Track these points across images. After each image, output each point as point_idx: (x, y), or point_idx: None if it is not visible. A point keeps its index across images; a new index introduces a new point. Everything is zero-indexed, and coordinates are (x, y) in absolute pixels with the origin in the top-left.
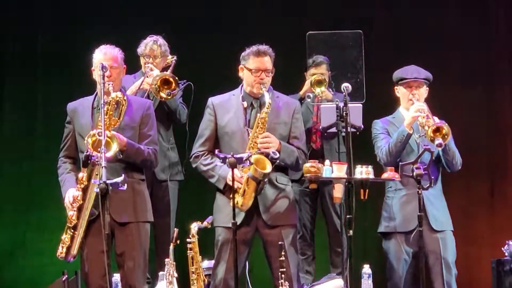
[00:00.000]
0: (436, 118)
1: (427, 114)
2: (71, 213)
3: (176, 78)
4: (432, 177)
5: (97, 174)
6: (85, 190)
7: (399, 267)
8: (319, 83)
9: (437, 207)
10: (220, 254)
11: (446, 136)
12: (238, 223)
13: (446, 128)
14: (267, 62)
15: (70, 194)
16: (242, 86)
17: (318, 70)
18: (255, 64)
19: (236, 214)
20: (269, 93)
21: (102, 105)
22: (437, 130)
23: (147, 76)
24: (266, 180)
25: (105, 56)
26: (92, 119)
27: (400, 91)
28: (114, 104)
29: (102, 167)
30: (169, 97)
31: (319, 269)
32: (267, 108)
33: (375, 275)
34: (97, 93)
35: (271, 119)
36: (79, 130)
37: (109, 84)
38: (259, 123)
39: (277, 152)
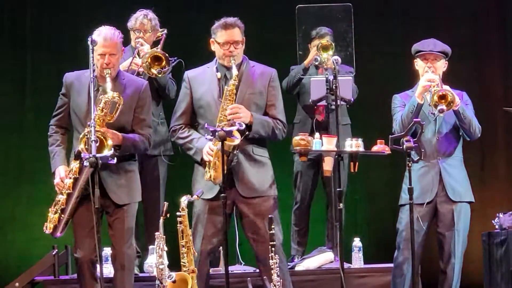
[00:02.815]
0: (447, 87)
1: (437, 83)
2: (61, 197)
3: (167, 55)
4: (451, 147)
5: (87, 148)
6: (75, 180)
7: (412, 238)
8: (325, 48)
9: (456, 177)
10: (196, 227)
11: (451, 104)
12: (214, 195)
13: (451, 95)
14: (236, 34)
15: (59, 174)
16: (216, 58)
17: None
18: (223, 37)
19: (211, 187)
20: (244, 64)
21: (92, 79)
22: (442, 97)
23: (135, 56)
24: (236, 152)
25: (104, 42)
26: (89, 101)
27: (418, 64)
28: (110, 103)
29: (92, 141)
30: (160, 75)
31: (312, 242)
32: (234, 80)
33: (365, 248)
34: (94, 70)
35: (246, 89)
36: (74, 108)
37: (107, 73)
38: (227, 95)
39: (243, 124)
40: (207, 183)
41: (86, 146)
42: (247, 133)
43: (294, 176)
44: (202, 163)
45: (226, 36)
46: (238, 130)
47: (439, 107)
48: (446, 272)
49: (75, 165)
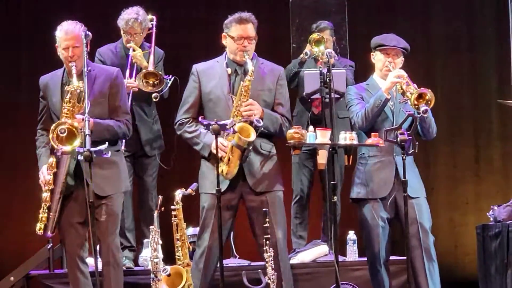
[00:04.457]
0: (415, 85)
1: (406, 80)
2: (45, 195)
3: (159, 73)
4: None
5: (81, 142)
6: (55, 175)
7: (376, 234)
8: (317, 42)
9: (411, 174)
10: (205, 221)
11: (429, 102)
12: (223, 190)
13: (429, 94)
14: (250, 29)
15: (41, 173)
16: (226, 53)
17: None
18: (238, 32)
19: (220, 181)
20: (253, 60)
21: (86, 73)
22: (420, 96)
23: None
24: (250, 148)
25: (66, 35)
26: (62, 98)
27: (376, 57)
28: (76, 93)
29: (86, 135)
30: (156, 100)
31: (312, 235)
32: (250, 75)
33: (360, 241)
34: (65, 68)
35: (255, 86)
36: (52, 108)
37: (72, 66)
38: (242, 91)
39: (260, 120)
40: (214, 178)
41: (55, 135)
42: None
43: (292, 169)
44: (210, 158)
45: (241, 30)
46: (255, 126)
47: (422, 108)
48: (421, 246)
49: (52, 159)
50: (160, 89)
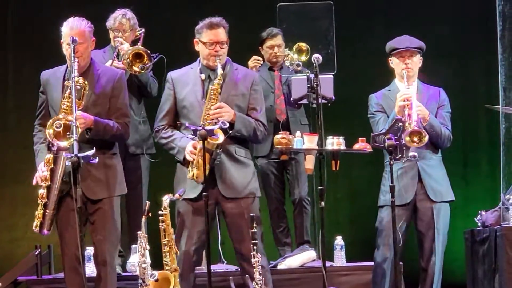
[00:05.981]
0: (421, 107)
1: (409, 103)
2: (41, 191)
3: (148, 51)
4: (430, 147)
5: (69, 148)
6: (52, 171)
7: (388, 236)
8: (300, 51)
9: (435, 177)
10: (181, 227)
11: (423, 139)
12: (195, 196)
13: (423, 133)
14: (221, 33)
15: (40, 169)
16: (199, 59)
17: (275, 42)
18: (209, 37)
19: (194, 186)
20: (227, 65)
21: (73, 78)
22: (413, 133)
23: (115, 58)
24: (219, 151)
25: (71, 31)
26: (63, 95)
27: (393, 62)
28: (77, 86)
29: (74, 140)
30: (142, 71)
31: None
32: (218, 79)
33: (347, 247)
34: (67, 65)
35: (228, 91)
36: (51, 103)
37: (75, 61)
38: (211, 95)
39: (226, 122)
40: (190, 182)
41: (53, 130)
42: (230, 131)
43: (261, 178)
44: (185, 162)
45: (212, 35)
46: (221, 129)
47: (411, 154)
48: (427, 270)
49: (49, 155)
50: (148, 66)
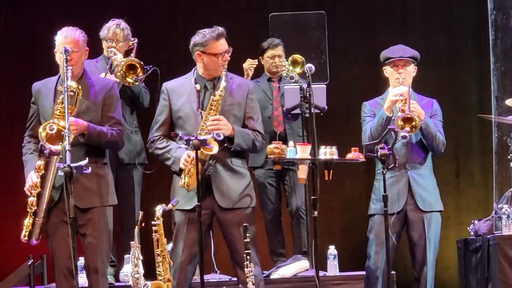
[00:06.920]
0: (416, 105)
1: (405, 98)
2: (31, 199)
3: (142, 63)
4: (420, 157)
5: (61, 158)
6: (43, 178)
7: (379, 245)
8: (295, 63)
9: (425, 187)
10: (177, 238)
11: (414, 129)
12: (191, 207)
13: (417, 120)
14: (225, 43)
15: (29, 178)
16: (194, 69)
17: (276, 51)
18: (218, 48)
19: (191, 197)
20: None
21: (65, 88)
22: (407, 119)
23: (107, 71)
24: (212, 161)
25: (65, 39)
26: (55, 102)
27: (387, 71)
28: (70, 93)
29: (66, 151)
30: (136, 83)
31: (291, 251)
32: (221, 91)
33: (340, 256)
34: (60, 75)
35: (225, 101)
36: (42, 112)
37: (68, 69)
38: (212, 106)
39: (220, 134)
40: (186, 194)
41: (46, 133)
42: (230, 146)
43: (258, 189)
44: (180, 173)
45: (220, 46)
46: (215, 140)
47: (401, 134)
48: (420, 280)
49: (40, 162)
50: (142, 77)
